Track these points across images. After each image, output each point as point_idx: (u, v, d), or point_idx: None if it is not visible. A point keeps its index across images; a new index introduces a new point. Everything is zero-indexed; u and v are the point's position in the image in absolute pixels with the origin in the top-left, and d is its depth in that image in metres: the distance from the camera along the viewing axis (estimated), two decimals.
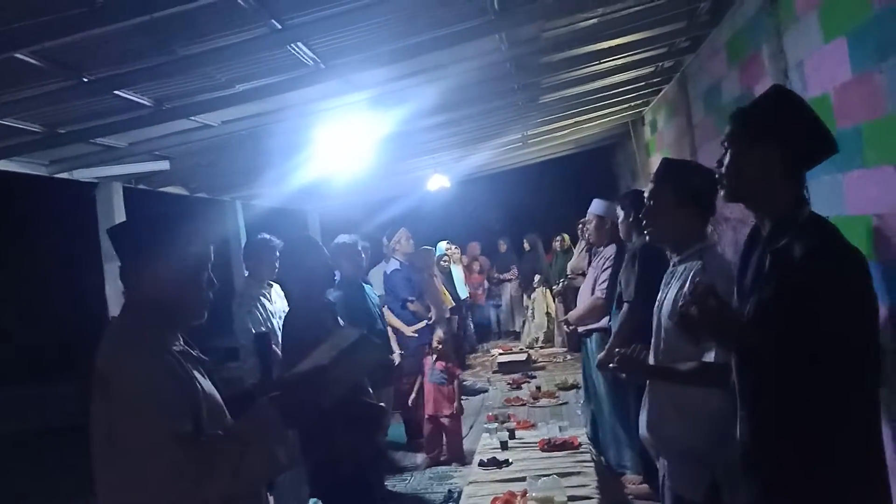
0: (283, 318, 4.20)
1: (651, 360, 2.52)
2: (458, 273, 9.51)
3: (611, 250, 4.71)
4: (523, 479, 3.75)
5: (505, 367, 8.87)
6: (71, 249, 9.45)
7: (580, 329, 4.98)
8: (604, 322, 4.69)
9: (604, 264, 4.76)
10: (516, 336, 11.39)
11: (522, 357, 9.20)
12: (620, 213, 4.44)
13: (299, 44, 3.31)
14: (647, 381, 2.59)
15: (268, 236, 4.54)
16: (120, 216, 5.23)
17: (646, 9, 4.49)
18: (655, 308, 2.60)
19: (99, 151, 4.51)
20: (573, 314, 5.11)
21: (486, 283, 11.57)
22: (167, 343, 1.74)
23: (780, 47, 3.81)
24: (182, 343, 1.81)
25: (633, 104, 8.58)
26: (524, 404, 7.18)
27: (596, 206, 4.97)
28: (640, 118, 9.60)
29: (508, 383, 8.22)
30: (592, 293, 4.81)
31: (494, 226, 13.21)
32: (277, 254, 4.34)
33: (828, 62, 3.29)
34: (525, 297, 11.06)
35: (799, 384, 1.74)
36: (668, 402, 2.44)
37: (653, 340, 2.56)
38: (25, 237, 13.53)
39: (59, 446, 7.87)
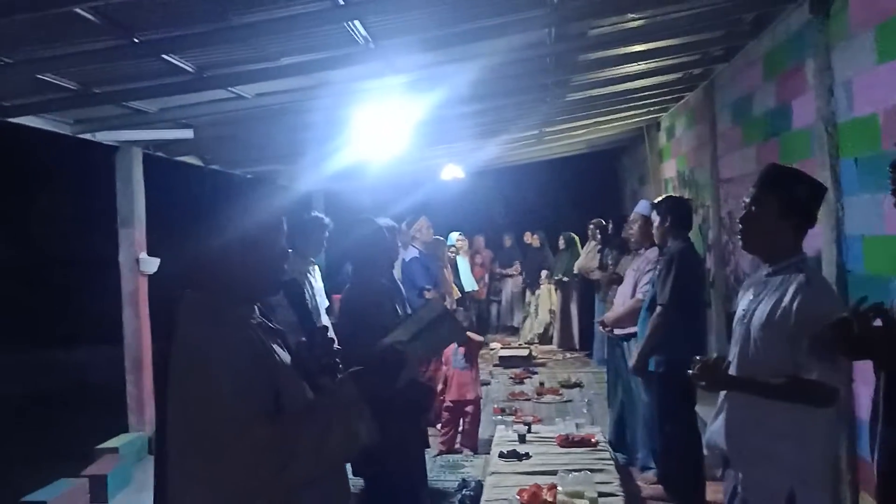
0: (322, 297, 4.16)
1: (732, 371, 2.45)
2: (464, 265, 9.47)
3: (653, 253, 4.68)
4: (545, 472, 3.76)
5: (506, 362, 8.88)
6: (87, 213, 9.31)
7: (617, 331, 4.95)
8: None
9: (646, 266, 4.71)
10: (514, 331, 11.37)
11: (524, 353, 9.20)
12: (656, 218, 4.42)
13: (356, 21, 3.23)
14: (724, 392, 2.52)
15: (320, 214, 4.46)
16: (139, 182, 5.13)
17: (691, 14, 4.44)
18: (739, 318, 2.51)
19: (127, 114, 4.40)
20: (610, 316, 5.07)
21: (486, 277, 11.53)
22: (245, 318, 1.68)
23: (827, 63, 3.78)
24: (258, 315, 1.75)
25: (651, 109, 8.56)
26: (529, 399, 7.20)
27: (643, 206, 4.93)
28: (656, 123, 9.58)
29: (510, 377, 8.23)
30: (633, 295, 4.77)
31: (499, 220, 13.17)
32: (326, 233, 4.28)
33: (880, 83, 3.27)
34: (528, 293, 11.04)
35: None
36: (751, 414, 2.37)
37: (735, 350, 2.48)
38: (44, 197, 13.33)
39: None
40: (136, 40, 3.03)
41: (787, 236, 2.41)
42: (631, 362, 4.41)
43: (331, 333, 1.92)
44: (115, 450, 4.41)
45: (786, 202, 2.37)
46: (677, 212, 4.36)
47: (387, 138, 5.41)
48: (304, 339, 1.90)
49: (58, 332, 11.22)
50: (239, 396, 1.51)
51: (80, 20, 2.70)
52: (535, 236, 11.07)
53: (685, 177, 8.04)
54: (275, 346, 1.70)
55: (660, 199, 4.69)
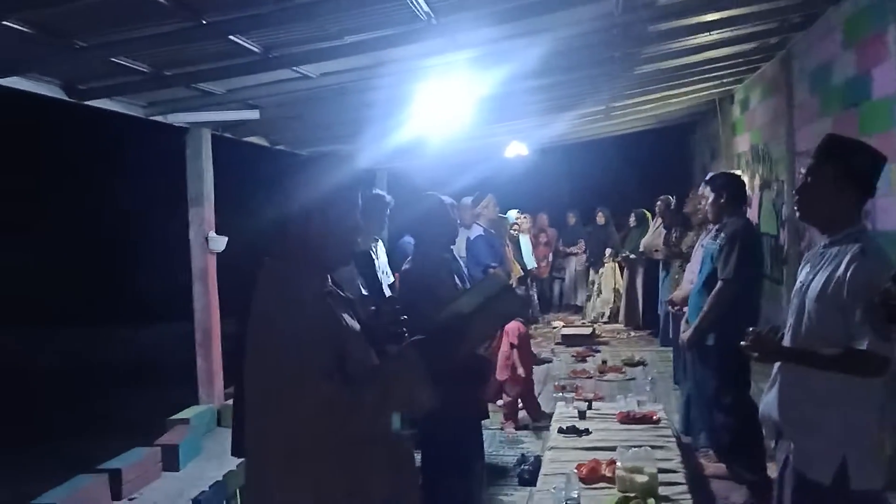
0: (386, 273, 4.19)
1: (787, 342, 2.44)
2: (526, 243, 9.40)
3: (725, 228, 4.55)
4: (604, 448, 3.75)
5: (568, 340, 8.82)
6: (159, 193, 9.64)
7: (685, 309, 4.85)
8: None
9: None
10: (577, 310, 11.25)
11: (587, 331, 9.12)
12: (710, 195, 4.34)
13: None
14: (777, 363, 2.49)
15: (381, 192, 4.48)
16: (207, 162, 5.23)
17: None
18: (796, 289, 2.49)
19: (196, 96, 4.47)
20: (679, 294, 4.99)
21: (550, 256, 11.41)
22: (317, 286, 1.79)
23: None
24: (331, 285, 1.85)
25: (724, 80, 8.24)
26: (590, 377, 7.14)
27: None
28: (729, 96, 9.26)
29: (573, 356, 8.17)
30: None
31: (564, 198, 13.00)
32: (388, 210, 4.31)
33: None
34: (592, 271, 10.89)
35: None
36: (804, 384, 2.36)
37: (790, 322, 2.46)
38: (117, 177, 13.83)
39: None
40: (204, 22, 3.06)
41: (844, 207, 2.37)
42: (683, 336, 4.36)
43: (399, 304, 2.02)
44: (185, 421, 4.56)
45: (842, 172, 2.33)
46: (733, 187, 4.32)
47: (449, 115, 5.38)
48: (372, 308, 2.02)
49: (131, 308, 11.70)
50: (305, 356, 1.63)
51: (150, 3, 2.74)
52: (600, 213, 10.89)
53: (759, 151, 7.76)
54: (344, 315, 1.81)
55: (713, 175, 4.60)
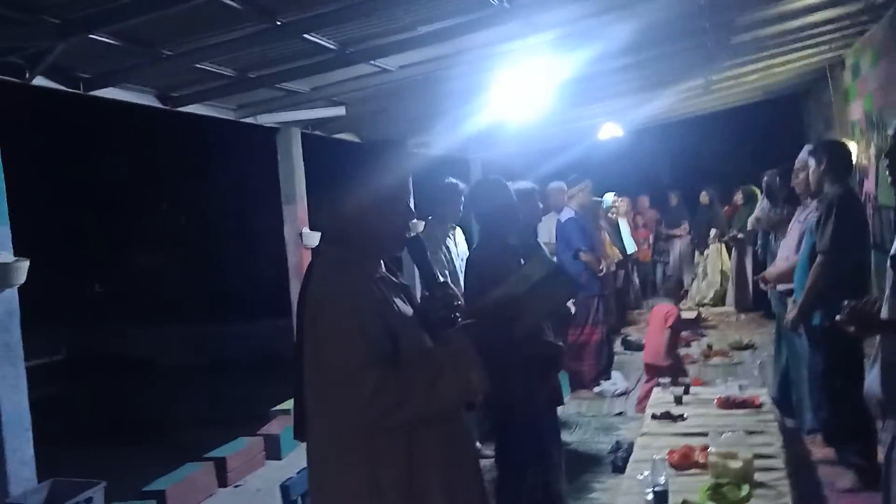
0: (464, 260, 4.21)
1: (884, 314, 2.27)
2: (625, 226, 9.16)
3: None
4: (699, 434, 3.58)
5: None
6: (253, 192, 10.08)
7: (779, 287, 4.59)
8: None
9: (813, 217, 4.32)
10: (683, 294, 10.88)
11: (692, 314, 8.79)
12: (812, 163, 4.08)
13: None
14: (878, 337, 2.34)
15: (454, 180, 4.50)
16: (298, 160, 5.41)
17: None
18: (892, 258, 2.30)
19: (282, 96, 4.63)
20: (772, 272, 4.73)
21: (651, 238, 11.06)
22: (370, 271, 1.81)
23: None
24: (384, 270, 1.87)
25: (832, 46, 7.69)
26: (694, 362, 6.90)
27: (807, 153, 4.51)
28: (840, 62, 8.64)
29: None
30: (798, 250, 4.39)
31: (665, 178, 12.57)
32: (462, 198, 4.32)
33: None
34: (697, 253, 10.49)
35: None
36: None
37: (888, 293, 2.29)
38: (217, 179, 14.59)
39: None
40: (279, 23, 3.16)
41: None
42: (788, 316, 4.10)
43: (453, 290, 1.99)
44: (287, 412, 4.76)
45: None
46: (836, 154, 4.01)
47: (535, 100, 5.29)
48: (426, 293, 2.03)
49: (236, 305, 12.28)
50: (356, 340, 1.65)
51: (225, 8, 2.85)
52: (704, 193, 10.45)
53: (873, 118, 7.21)
54: (396, 300, 1.83)
55: (818, 143, 4.31)
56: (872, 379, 2.34)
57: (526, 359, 1.83)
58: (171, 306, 13.12)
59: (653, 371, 5.49)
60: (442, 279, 2.06)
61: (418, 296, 2.09)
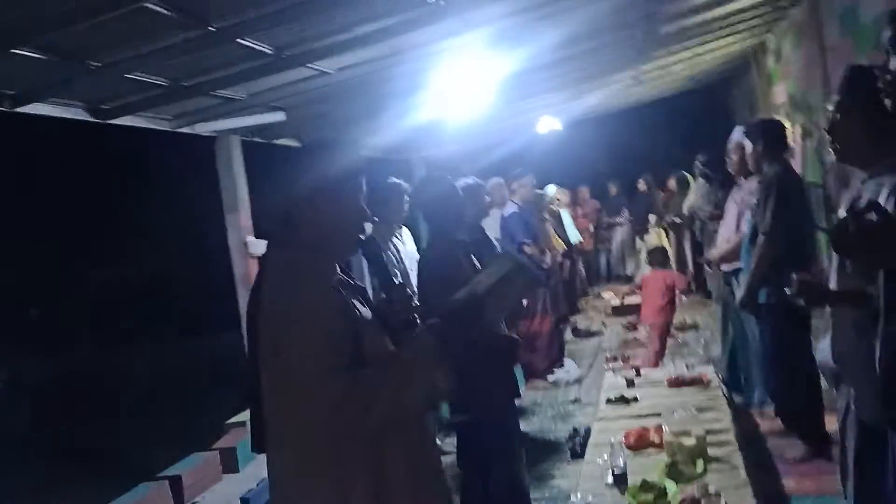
0: (413, 259, 4.22)
1: (833, 285, 2.36)
2: (567, 217, 9.32)
3: (754, 183, 4.42)
4: (653, 414, 3.72)
5: (619, 311, 8.75)
6: (193, 203, 9.88)
7: (724, 268, 4.74)
8: None
9: (748, 198, 4.47)
10: (627, 280, 11.12)
11: (637, 300, 8.97)
12: (748, 144, 4.21)
13: None
14: (829, 309, 2.43)
15: (397, 180, 4.50)
16: (239, 168, 5.30)
17: None
18: None
19: (219, 104, 4.52)
20: (714, 253, 4.88)
21: (591, 228, 11.29)
22: (327, 274, 1.77)
23: None
24: (340, 273, 1.83)
25: (755, 31, 7.99)
26: (643, 346, 7.04)
27: (739, 134, 4.66)
28: (762, 46, 8.98)
29: (624, 326, 8.09)
30: (737, 230, 4.54)
31: (602, 169, 12.83)
32: (406, 197, 4.31)
33: None
34: (637, 239, 10.75)
35: None
36: (857, 328, 2.25)
37: (834, 263, 2.38)
38: (151, 192, 14.23)
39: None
40: (212, 28, 3.09)
41: (880, 138, 2.24)
42: (738, 297, 4.25)
43: (409, 291, 1.97)
44: (242, 424, 4.67)
45: (871, 103, 2.15)
46: (771, 133, 4.14)
47: (474, 96, 5.33)
48: (383, 295, 2.00)
49: (182, 319, 12.03)
50: (320, 345, 1.61)
51: (155, 16, 2.77)
52: (642, 181, 10.72)
53: (797, 99, 7.52)
54: (355, 302, 1.79)
55: (752, 122, 4.46)
56: (824, 348, 2.43)
57: (484, 354, 1.85)
58: (114, 324, 12.75)
59: (654, 329, 6.08)
60: (397, 281, 2.06)
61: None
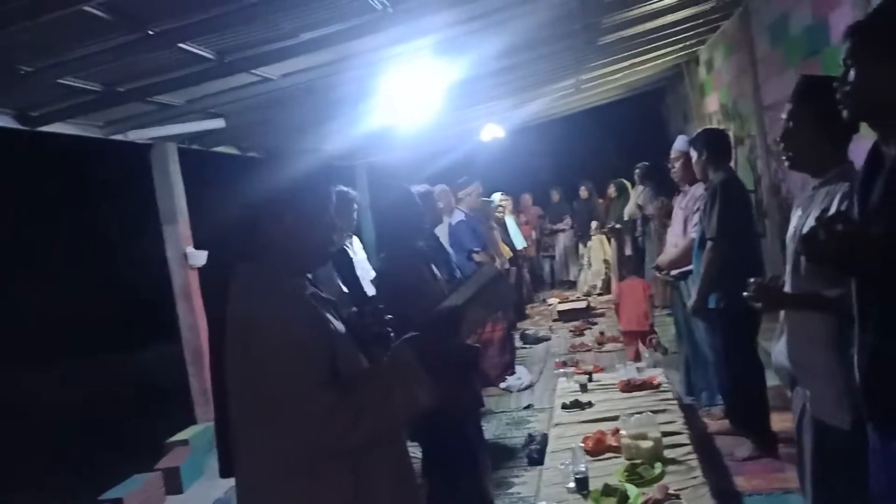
0: (365, 269, 4.13)
1: (788, 289, 2.41)
2: (512, 224, 9.39)
3: (699, 189, 4.52)
4: (608, 419, 3.77)
5: (565, 315, 8.83)
6: (128, 213, 9.54)
7: (673, 272, 4.82)
8: None
9: (694, 204, 4.57)
10: (571, 285, 11.27)
11: (582, 304, 9.13)
12: (693, 153, 4.32)
13: None
14: (783, 312, 2.48)
15: (344, 188, 4.41)
16: (177, 177, 5.13)
17: None
18: (790, 235, 2.47)
19: (155, 110, 4.37)
20: (664, 258, 4.96)
21: (534, 234, 11.41)
22: (299, 288, 1.71)
23: None
24: (311, 286, 1.77)
25: (688, 43, 8.23)
26: (590, 350, 7.16)
27: (680, 143, 4.77)
28: (695, 58, 9.26)
29: (570, 331, 8.17)
30: (684, 235, 4.64)
31: (545, 176, 12.99)
32: (355, 205, 4.24)
33: None
34: (581, 245, 10.91)
35: None
36: (810, 329, 2.33)
37: (788, 268, 2.44)
38: (82, 202, 13.69)
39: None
40: (151, 32, 2.97)
41: (831, 147, 2.32)
42: (689, 303, 4.33)
43: (381, 304, 1.91)
44: (185, 442, 4.49)
45: (824, 111, 2.22)
46: (714, 143, 4.27)
47: (420, 103, 5.30)
48: (354, 309, 1.93)
49: (118, 333, 11.58)
50: (300, 363, 1.55)
51: (91, 18, 2.65)
52: (583, 188, 10.91)
53: (728, 109, 7.77)
54: (329, 316, 1.72)
55: (697, 132, 4.57)
56: (779, 351, 2.47)
57: (448, 364, 1.81)
58: (43, 340, 12.18)
59: (632, 336, 6.13)
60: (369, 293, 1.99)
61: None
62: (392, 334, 1.83)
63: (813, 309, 2.30)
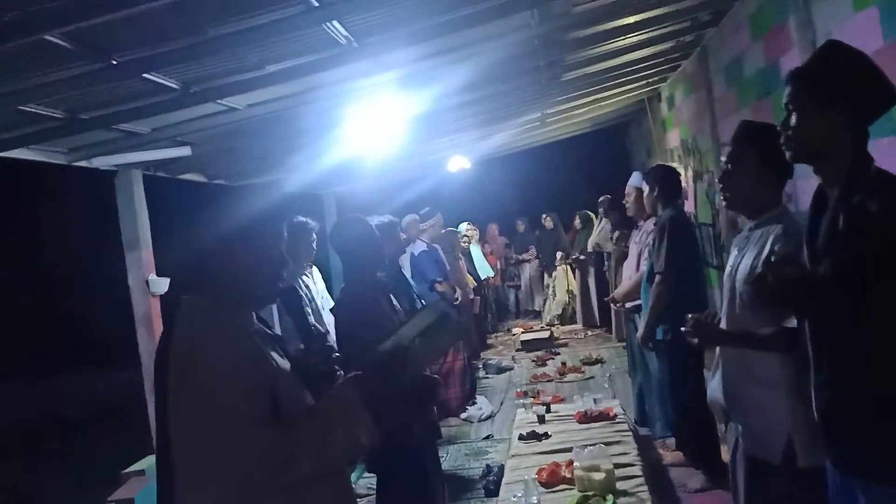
0: (324, 298, 4.16)
1: (723, 325, 2.51)
2: (478, 253, 9.47)
3: (651, 223, 4.65)
4: (564, 450, 3.81)
5: (528, 345, 8.91)
6: (91, 240, 9.43)
7: (628, 305, 4.93)
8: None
9: (646, 238, 4.71)
10: (536, 315, 11.36)
11: (545, 335, 9.22)
12: (645, 188, 4.46)
13: (335, 22, 3.18)
14: (718, 348, 2.57)
15: (303, 218, 4.45)
16: (141, 204, 5.11)
17: None
18: (727, 274, 2.57)
19: (120, 138, 4.37)
20: (619, 291, 5.08)
21: (499, 264, 11.51)
22: (244, 324, 1.72)
23: (808, 18, 3.77)
24: (256, 322, 1.78)
25: (650, 80, 8.47)
26: (551, 380, 7.25)
27: (636, 178, 4.92)
28: (657, 94, 9.51)
29: (533, 360, 8.24)
30: (638, 268, 4.76)
31: (511, 206, 13.15)
32: (314, 235, 4.28)
33: (858, 31, 3.22)
34: (546, 275, 11.03)
35: (885, 345, 1.69)
36: (744, 367, 2.42)
37: (725, 306, 2.54)
38: (45, 228, 13.48)
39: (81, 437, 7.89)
40: (115, 62, 3.00)
41: (767, 190, 2.44)
42: (638, 334, 4.43)
43: (330, 340, 1.92)
44: (141, 472, 4.42)
45: (761, 156, 2.37)
46: (665, 179, 4.42)
47: (386, 135, 5.38)
48: (301, 346, 1.93)
49: (74, 358, 11.36)
50: (237, 399, 1.54)
51: (54, 47, 2.67)
52: (549, 218, 11.06)
53: (688, 145, 7.99)
54: (272, 353, 1.72)
55: (649, 168, 4.72)
56: (714, 387, 2.56)
57: (403, 396, 1.84)
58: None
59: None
60: (317, 331, 2.01)
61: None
62: (340, 372, 1.84)
63: (747, 346, 2.38)
